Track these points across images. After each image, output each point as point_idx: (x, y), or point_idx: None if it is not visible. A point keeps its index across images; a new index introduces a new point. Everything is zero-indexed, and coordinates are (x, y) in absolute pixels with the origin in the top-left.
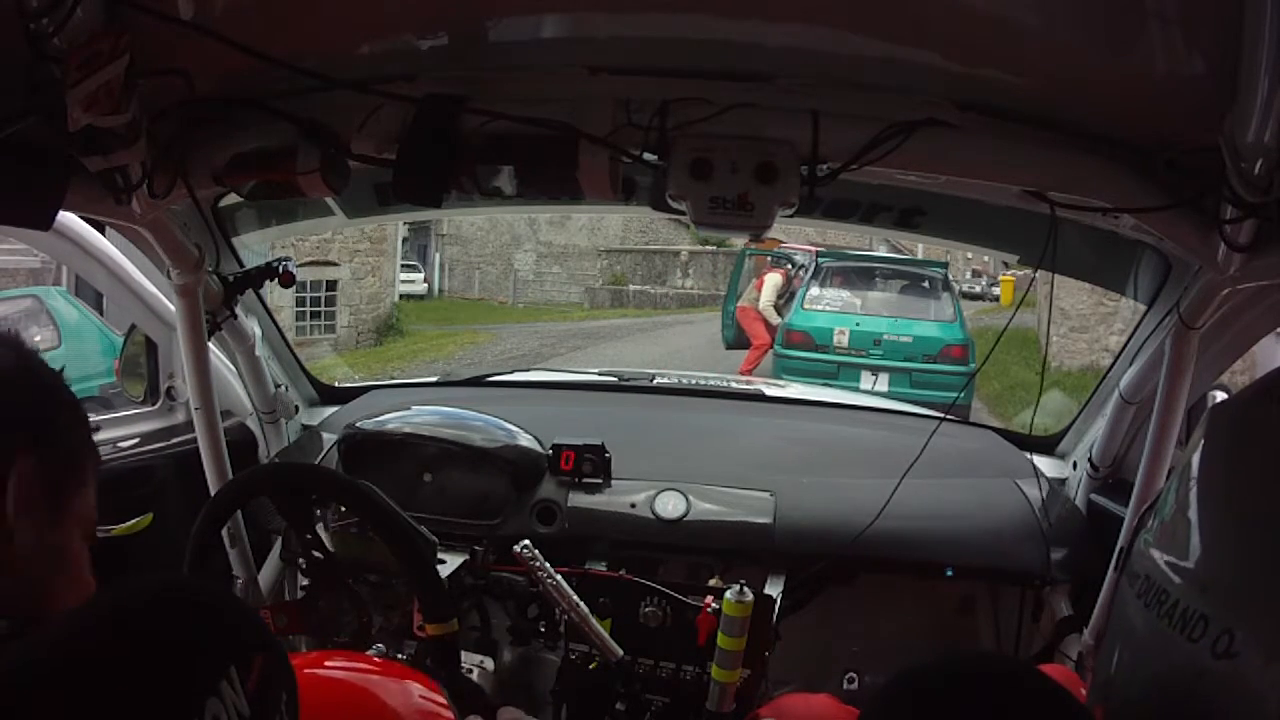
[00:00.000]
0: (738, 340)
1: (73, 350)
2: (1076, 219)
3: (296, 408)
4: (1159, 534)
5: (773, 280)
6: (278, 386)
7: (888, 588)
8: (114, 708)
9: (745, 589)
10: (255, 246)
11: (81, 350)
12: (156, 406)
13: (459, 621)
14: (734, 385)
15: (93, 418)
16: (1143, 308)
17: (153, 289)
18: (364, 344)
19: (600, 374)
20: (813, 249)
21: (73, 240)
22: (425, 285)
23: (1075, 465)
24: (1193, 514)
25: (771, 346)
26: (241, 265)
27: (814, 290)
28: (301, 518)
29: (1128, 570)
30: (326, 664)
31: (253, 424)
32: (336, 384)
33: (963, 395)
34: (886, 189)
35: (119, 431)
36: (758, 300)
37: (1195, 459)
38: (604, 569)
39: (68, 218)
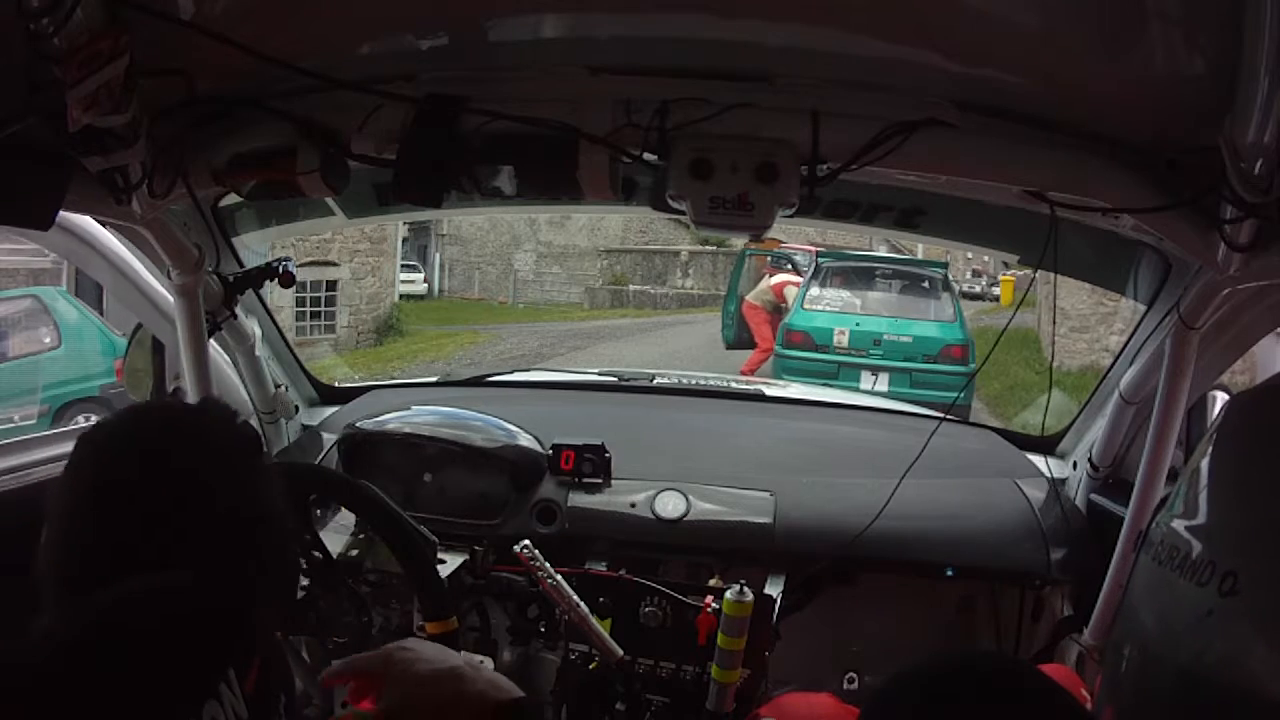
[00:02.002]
0: (738, 340)
1: (73, 350)
2: (1076, 219)
3: (296, 408)
4: (1177, 509)
5: (794, 292)
6: (278, 386)
7: (888, 588)
8: (111, 710)
9: (745, 589)
10: (255, 246)
11: (82, 350)
12: None
13: (459, 621)
14: (734, 385)
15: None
16: (1143, 308)
17: (160, 288)
18: (364, 344)
19: (600, 374)
20: (813, 249)
21: (80, 238)
22: (425, 285)
23: (1075, 465)
24: (1205, 493)
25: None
26: (241, 265)
27: (814, 290)
28: (301, 518)
29: (1145, 543)
30: None
31: (253, 424)
32: (336, 384)
33: (963, 395)
34: (886, 189)
35: None
36: (772, 302)
37: (1209, 453)
38: (604, 569)
39: (74, 215)
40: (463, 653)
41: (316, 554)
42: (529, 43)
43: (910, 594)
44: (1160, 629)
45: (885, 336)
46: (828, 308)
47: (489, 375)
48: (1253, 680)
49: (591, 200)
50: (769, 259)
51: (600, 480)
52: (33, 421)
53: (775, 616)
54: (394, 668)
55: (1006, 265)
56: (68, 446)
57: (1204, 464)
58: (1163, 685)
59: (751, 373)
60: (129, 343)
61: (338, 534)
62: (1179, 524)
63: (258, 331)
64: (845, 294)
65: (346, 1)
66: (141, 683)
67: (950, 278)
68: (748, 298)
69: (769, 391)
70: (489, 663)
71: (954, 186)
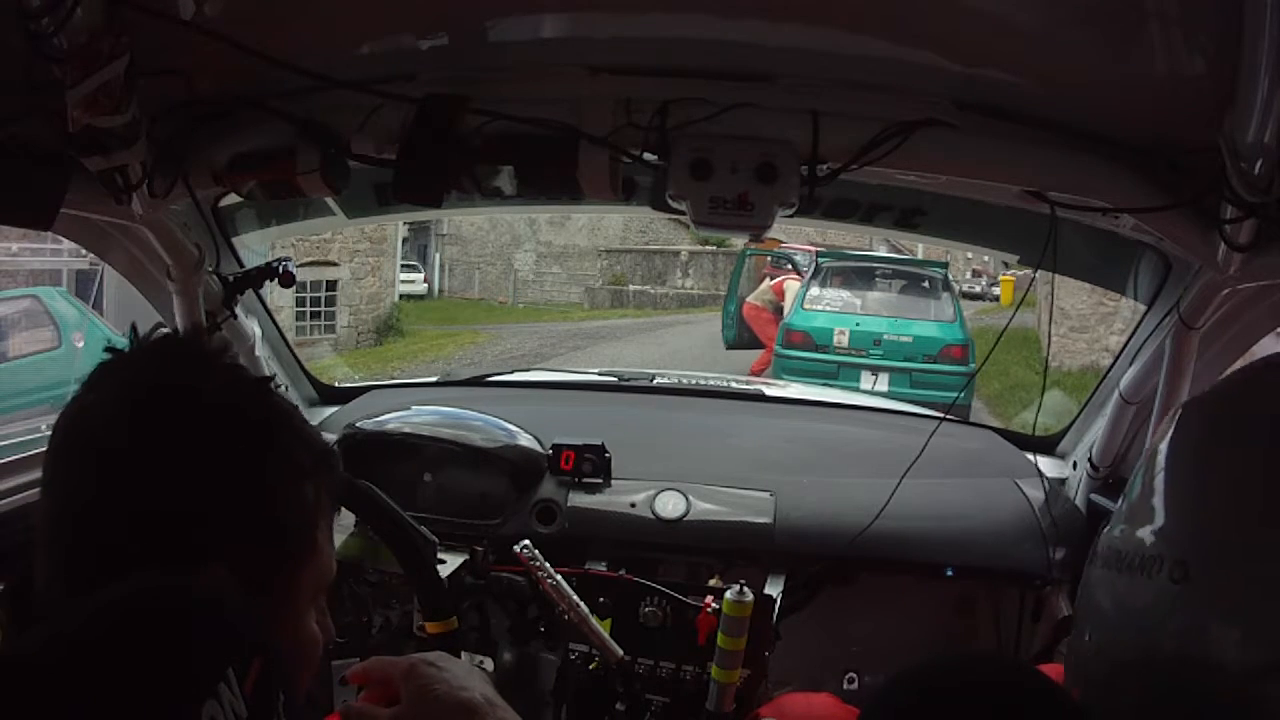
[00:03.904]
0: (738, 340)
1: (73, 350)
2: (1076, 219)
3: (296, 408)
4: (1126, 514)
5: (793, 288)
6: (278, 386)
7: (888, 588)
8: (109, 711)
9: (745, 589)
10: (255, 246)
11: (82, 350)
12: None
13: (459, 621)
14: (734, 385)
15: None
16: (1143, 308)
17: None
18: (364, 344)
19: (600, 374)
20: (813, 249)
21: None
22: (425, 285)
23: (1075, 465)
24: (1159, 498)
25: None
26: (241, 265)
27: (814, 290)
28: None
29: (1097, 552)
30: None
31: None
32: (336, 384)
33: (963, 395)
34: (886, 189)
35: None
36: (773, 302)
37: (1164, 448)
38: (604, 569)
39: None
40: (476, 663)
41: None
42: (529, 43)
43: (910, 594)
44: (1117, 628)
45: (885, 336)
46: (828, 308)
47: (489, 375)
48: (1209, 656)
49: (592, 200)
50: (769, 259)
51: (600, 480)
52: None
53: (775, 616)
54: (414, 682)
55: (1006, 265)
56: None
57: (1159, 468)
58: (1124, 678)
59: (761, 372)
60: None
61: (338, 534)
62: (1128, 530)
63: (258, 331)
64: (845, 294)
65: (346, 1)
66: (140, 682)
67: (950, 278)
68: (749, 300)
69: (769, 391)
70: (489, 663)
71: (954, 186)
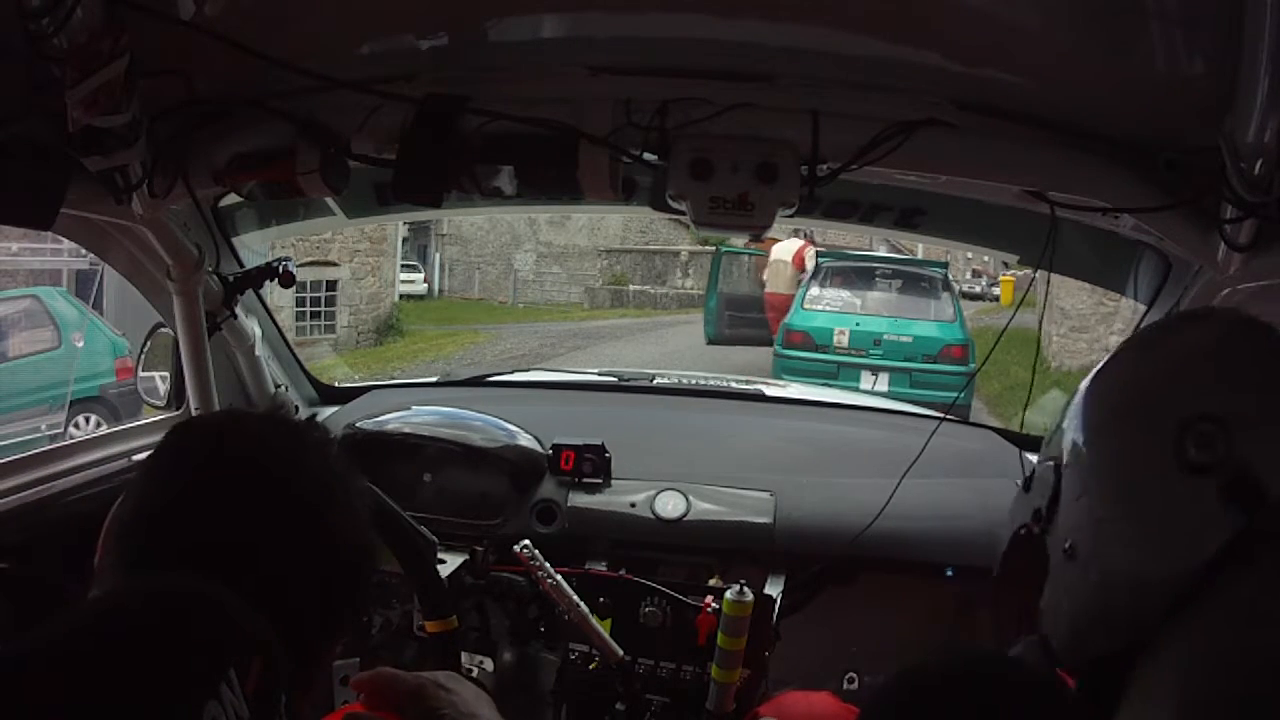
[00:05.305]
0: (719, 336)
1: (73, 350)
2: (1076, 219)
3: (296, 408)
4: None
5: (813, 255)
6: (278, 386)
7: (888, 588)
8: (111, 711)
9: (745, 589)
10: (255, 246)
11: (82, 349)
12: (179, 412)
13: (459, 621)
14: (734, 385)
15: (106, 429)
16: (1143, 308)
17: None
18: (364, 344)
19: (600, 374)
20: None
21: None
22: (425, 285)
23: None
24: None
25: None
26: (241, 265)
27: (814, 290)
28: None
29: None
30: None
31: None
32: (336, 384)
33: (963, 395)
34: (886, 189)
35: (136, 443)
36: (795, 276)
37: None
38: (604, 569)
39: None
40: (476, 663)
41: None
42: (529, 43)
43: (910, 594)
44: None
45: (885, 336)
46: (828, 308)
47: (489, 375)
48: None
49: (591, 200)
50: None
51: (600, 480)
52: (60, 430)
53: (775, 616)
54: (422, 703)
55: (1006, 265)
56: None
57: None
58: None
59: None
60: (145, 343)
61: None
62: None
63: (258, 331)
64: (845, 294)
65: (346, 2)
66: (142, 681)
67: (950, 278)
68: (768, 291)
69: (769, 391)
70: (489, 663)
71: (954, 186)
